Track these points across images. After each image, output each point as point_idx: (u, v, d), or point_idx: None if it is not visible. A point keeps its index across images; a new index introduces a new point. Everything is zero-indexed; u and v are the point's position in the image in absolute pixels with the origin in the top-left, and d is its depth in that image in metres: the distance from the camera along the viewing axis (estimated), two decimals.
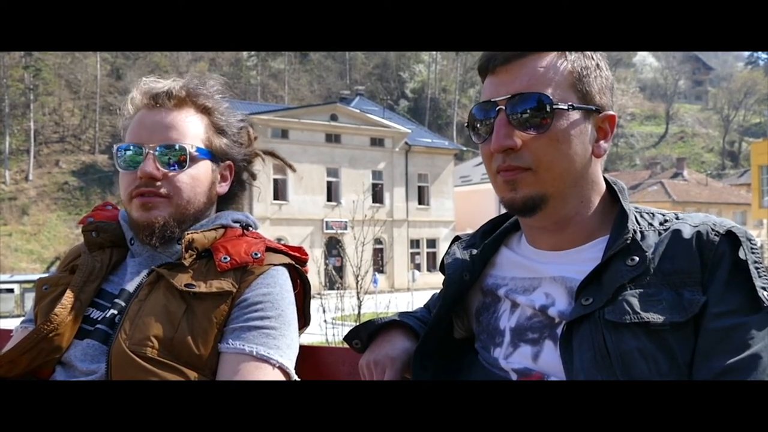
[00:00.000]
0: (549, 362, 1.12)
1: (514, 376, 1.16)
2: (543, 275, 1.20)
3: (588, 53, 1.16)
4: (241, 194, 1.64)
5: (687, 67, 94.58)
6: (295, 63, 70.78)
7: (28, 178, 49.71)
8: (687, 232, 1.09)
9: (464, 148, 45.64)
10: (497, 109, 1.12)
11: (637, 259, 1.08)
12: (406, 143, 37.52)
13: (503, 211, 1.37)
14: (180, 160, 1.45)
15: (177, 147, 1.45)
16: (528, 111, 1.10)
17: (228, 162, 1.57)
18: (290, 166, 1.79)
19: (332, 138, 35.46)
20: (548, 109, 1.10)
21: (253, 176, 1.68)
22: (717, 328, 1.00)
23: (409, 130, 38.39)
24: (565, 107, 1.11)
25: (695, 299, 1.03)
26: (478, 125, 1.17)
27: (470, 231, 1.42)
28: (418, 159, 38.27)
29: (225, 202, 1.60)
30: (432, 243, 38.84)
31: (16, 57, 52.75)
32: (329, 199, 34.62)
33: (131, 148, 1.46)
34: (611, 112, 1.18)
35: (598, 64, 1.17)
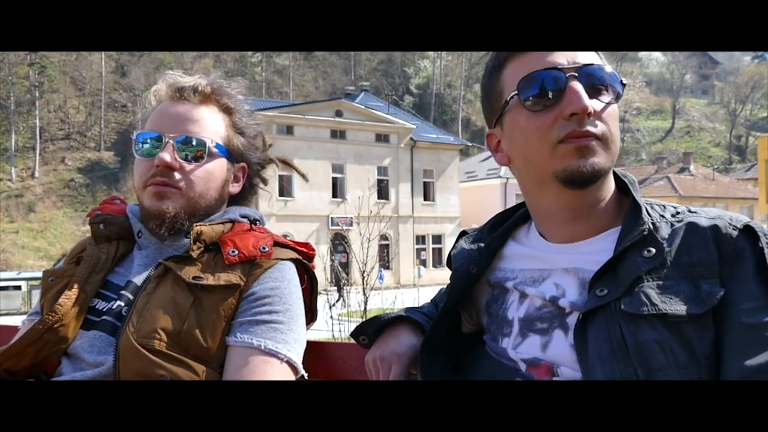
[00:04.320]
0: (558, 352, 1.12)
1: (522, 366, 1.16)
2: (554, 266, 1.19)
3: None
4: (251, 197, 1.65)
5: (693, 62, 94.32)
6: (299, 59, 70.89)
7: (34, 176, 49.93)
8: (703, 225, 1.08)
9: (469, 144, 45.62)
10: (567, 76, 1.11)
11: (653, 250, 1.08)
12: (411, 139, 37.52)
13: (508, 206, 1.36)
14: (198, 154, 1.47)
15: (196, 140, 1.46)
16: (601, 81, 1.12)
17: (242, 163, 1.58)
18: (303, 176, 1.81)
19: (337, 134, 35.48)
20: (616, 83, 1.13)
21: (264, 182, 1.69)
22: (750, 324, 0.99)
23: (414, 126, 38.39)
24: (623, 85, 1.15)
25: (713, 291, 1.02)
26: (535, 96, 1.13)
27: (476, 226, 1.42)
28: (424, 155, 38.26)
29: (235, 203, 1.60)
30: (437, 239, 38.87)
31: (21, 54, 52.91)
32: (335, 196, 34.66)
33: (151, 136, 1.47)
34: None
35: None
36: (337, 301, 8.91)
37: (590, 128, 1.10)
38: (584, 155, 1.10)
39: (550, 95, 1.12)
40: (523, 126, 1.16)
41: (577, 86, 1.10)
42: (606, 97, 1.12)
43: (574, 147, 1.10)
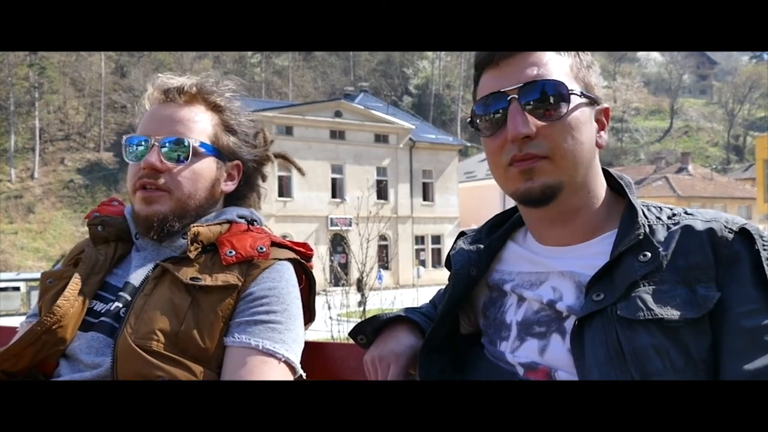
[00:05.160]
0: (556, 356, 1.12)
1: (520, 370, 1.16)
2: (550, 270, 1.19)
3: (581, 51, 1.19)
4: (249, 195, 1.64)
5: (691, 62, 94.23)
6: (299, 60, 70.83)
7: (33, 176, 49.85)
8: (699, 228, 1.08)
9: (468, 144, 45.56)
10: (508, 99, 1.12)
11: (649, 254, 1.08)
12: (410, 139, 37.50)
13: (508, 206, 1.36)
14: (184, 154, 1.46)
15: (181, 141, 1.46)
16: (542, 98, 1.10)
17: (236, 161, 1.57)
18: (300, 170, 1.81)
19: (336, 135, 35.45)
20: (561, 96, 1.11)
21: (264, 178, 1.68)
22: (748, 328, 0.99)
23: (414, 126, 38.37)
24: (578, 93, 1.12)
25: (709, 295, 1.02)
26: (484, 120, 1.17)
27: (475, 227, 1.42)
28: (423, 155, 38.24)
29: (232, 201, 1.60)
30: (437, 239, 38.85)
31: (21, 55, 52.84)
32: (334, 196, 34.63)
33: (139, 140, 1.48)
34: (606, 105, 1.21)
35: (592, 60, 1.20)
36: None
37: (532, 150, 1.10)
38: (530, 177, 1.12)
39: (496, 120, 1.14)
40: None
41: (515, 110, 1.10)
42: (559, 110, 1.11)
43: (518, 171, 1.12)
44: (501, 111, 1.13)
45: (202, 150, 1.49)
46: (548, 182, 1.11)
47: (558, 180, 1.11)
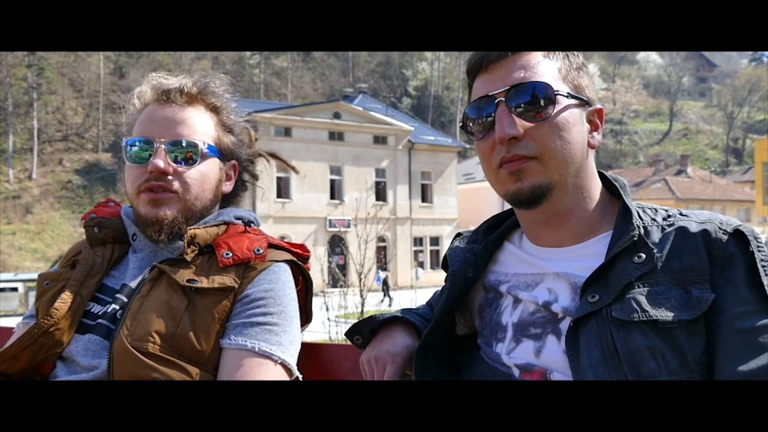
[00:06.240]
0: (551, 358, 1.12)
1: (516, 372, 1.16)
2: (546, 271, 1.19)
3: (572, 53, 1.20)
4: (242, 194, 1.65)
5: (691, 64, 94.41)
6: (298, 61, 70.84)
7: (31, 177, 49.83)
8: (693, 229, 1.09)
9: (467, 146, 45.51)
10: (496, 102, 1.13)
11: (644, 256, 1.08)
12: (409, 141, 37.50)
13: (506, 208, 1.37)
14: (191, 156, 1.46)
15: (188, 143, 1.46)
16: (529, 100, 1.11)
17: (233, 161, 1.57)
18: (293, 168, 1.79)
19: (335, 136, 35.45)
20: (548, 98, 1.12)
21: (255, 177, 1.68)
22: (743, 329, 1.00)
23: (413, 128, 38.38)
24: (565, 94, 1.13)
25: (704, 297, 1.03)
26: (475, 123, 1.18)
27: (473, 228, 1.42)
28: (422, 157, 38.24)
29: (228, 201, 1.60)
30: (435, 241, 38.83)
31: (20, 56, 52.84)
32: (332, 197, 34.61)
33: (141, 142, 1.46)
34: (599, 106, 1.21)
35: (583, 63, 1.21)
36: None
37: (520, 151, 1.12)
38: (520, 178, 1.13)
39: (486, 123, 1.15)
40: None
41: (502, 112, 1.12)
42: (546, 112, 1.12)
43: (507, 172, 1.14)
44: (491, 114, 1.14)
45: (207, 151, 1.49)
46: (537, 182, 1.12)
47: (547, 180, 1.12)
